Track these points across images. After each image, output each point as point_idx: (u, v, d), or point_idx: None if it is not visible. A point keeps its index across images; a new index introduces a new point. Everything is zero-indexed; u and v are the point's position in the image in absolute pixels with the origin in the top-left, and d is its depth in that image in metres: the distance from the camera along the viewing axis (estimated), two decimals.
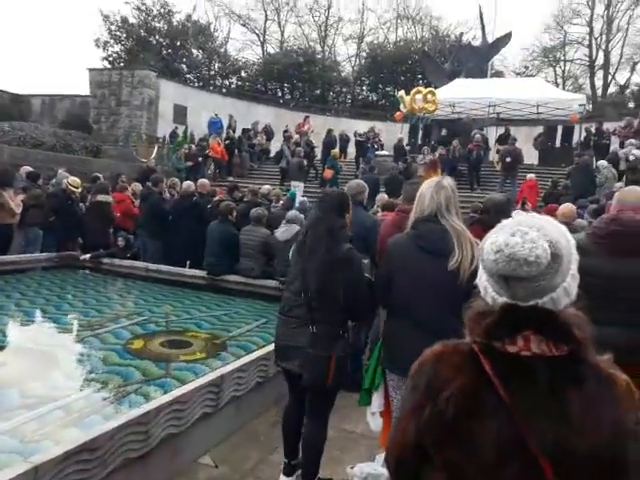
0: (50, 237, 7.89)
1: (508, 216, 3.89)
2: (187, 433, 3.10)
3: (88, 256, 7.46)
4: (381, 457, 1.55)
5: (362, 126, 19.81)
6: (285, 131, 18.13)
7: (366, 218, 4.57)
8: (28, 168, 8.80)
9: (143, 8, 26.93)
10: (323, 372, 2.59)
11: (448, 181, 2.51)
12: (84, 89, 20.60)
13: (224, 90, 27.18)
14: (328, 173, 14.65)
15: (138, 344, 4.47)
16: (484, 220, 4.13)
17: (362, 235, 4.27)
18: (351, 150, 18.50)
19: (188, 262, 7.36)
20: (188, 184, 7.92)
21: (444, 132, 17.96)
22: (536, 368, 1.04)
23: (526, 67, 33.93)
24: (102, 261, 7.53)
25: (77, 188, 8.07)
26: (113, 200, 8.10)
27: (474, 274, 2.21)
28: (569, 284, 1.09)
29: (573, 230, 4.46)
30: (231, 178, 16.81)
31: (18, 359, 4.16)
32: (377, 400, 2.68)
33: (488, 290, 1.13)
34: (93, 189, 8.30)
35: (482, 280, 1.16)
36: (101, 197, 7.81)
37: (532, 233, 1.06)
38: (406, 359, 2.44)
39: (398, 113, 18.39)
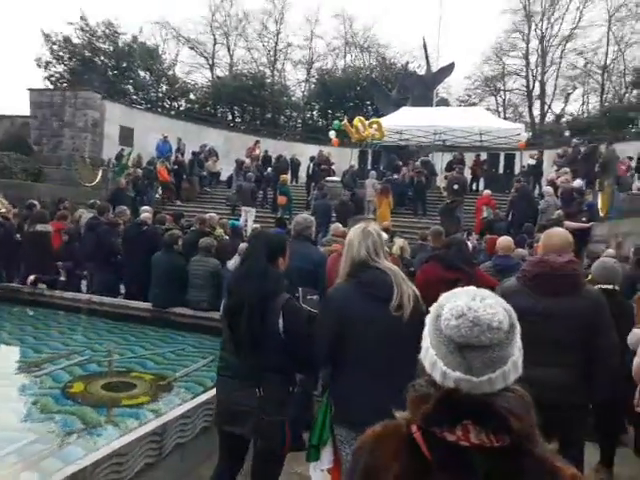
0: None
1: (467, 257, 3.90)
2: None
3: (32, 277, 7.12)
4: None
5: (313, 150, 19.99)
6: (237, 160, 18.08)
7: (314, 253, 4.57)
8: None
9: (87, 29, 26.39)
10: (280, 438, 2.45)
11: (373, 227, 2.57)
12: (24, 110, 19.84)
13: (172, 112, 26.89)
14: (282, 199, 14.66)
15: (78, 387, 4.25)
16: (444, 257, 4.01)
17: (311, 270, 4.28)
18: (302, 174, 18.66)
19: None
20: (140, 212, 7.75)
21: (393, 157, 18.42)
22: (473, 460, 0.99)
23: (469, 95, 35.42)
24: (43, 293, 7.20)
25: (1, 211, 7.77)
26: (52, 229, 7.79)
27: (414, 314, 2.27)
28: (517, 357, 1.07)
29: (511, 267, 4.56)
30: (179, 202, 16.57)
31: None
32: (327, 456, 2.52)
33: (438, 364, 1.06)
34: (30, 218, 7.95)
35: (430, 354, 1.09)
36: (40, 227, 7.49)
37: (489, 299, 1.06)
38: (357, 413, 2.32)
39: (334, 139, 18.87)
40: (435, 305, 1.13)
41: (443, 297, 1.13)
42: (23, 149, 18.10)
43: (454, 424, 1.01)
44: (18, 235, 7.94)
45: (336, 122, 19.49)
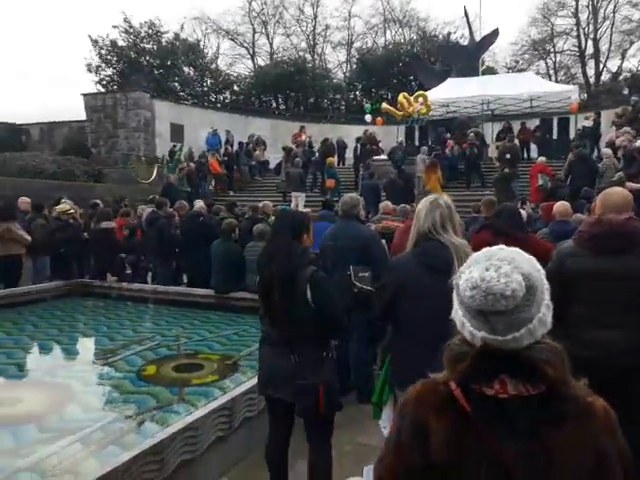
0: (58, 264, 8.00)
1: (519, 223, 3.80)
2: (202, 457, 3.15)
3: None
4: (370, 469, 1.55)
5: (358, 131, 19.88)
6: (284, 147, 18.18)
7: (364, 231, 4.59)
8: (26, 199, 8.82)
9: (131, 31, 27.08)
10: (314, 401, 2.58)
11: (444, 199, 2.62)
12: (80, 115, 20.73)
13: (219, 105, 27.36)
14: (330, 182, 14.73)
15: (151, 370, 4.55)
16: (495, 224, 3.94)
17: (360, 247, 4.29)
18: (349, 156, 18.64)
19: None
20: (194, 204, 8.09)
21: (441, 130, 18.07)
22: (515, 411, 1.05)
23: (516, 61, 34.02)
24: (112, 286, 7.66)
25: (70, 212, 8.25)
26: (116, 226, 8.22)
27: None
28: (544, 314, 1.11)
29: (569, 232, 4.43)
30: (232, 193, 16.96)
31: (35, 393, 4.22)
32: (386, 414, 2.70)
33: (465, 325, 1.13)
34: (95, 217, 8.40)
35: (458, 315, 1.16)
36: (105, 224, 7.92)
37: (505, 267, 1.08)
38: (412, 378, 2.49)
39: (379, 119, 18.66)
40: (458, 272, 1.18)
41: (464, 265, 1.17)
42: (82, 152, 19.01)
43: (491, 379, 1.07)
44: (85, 234, 8.41)
45: (367, 105, 19.39)
